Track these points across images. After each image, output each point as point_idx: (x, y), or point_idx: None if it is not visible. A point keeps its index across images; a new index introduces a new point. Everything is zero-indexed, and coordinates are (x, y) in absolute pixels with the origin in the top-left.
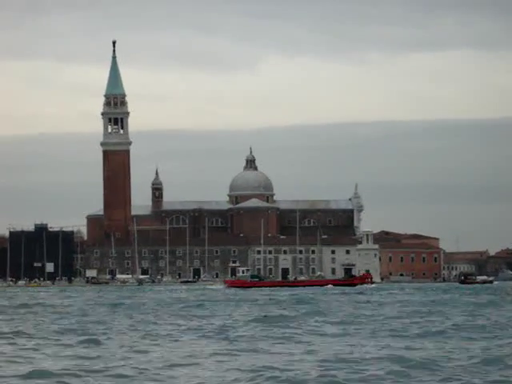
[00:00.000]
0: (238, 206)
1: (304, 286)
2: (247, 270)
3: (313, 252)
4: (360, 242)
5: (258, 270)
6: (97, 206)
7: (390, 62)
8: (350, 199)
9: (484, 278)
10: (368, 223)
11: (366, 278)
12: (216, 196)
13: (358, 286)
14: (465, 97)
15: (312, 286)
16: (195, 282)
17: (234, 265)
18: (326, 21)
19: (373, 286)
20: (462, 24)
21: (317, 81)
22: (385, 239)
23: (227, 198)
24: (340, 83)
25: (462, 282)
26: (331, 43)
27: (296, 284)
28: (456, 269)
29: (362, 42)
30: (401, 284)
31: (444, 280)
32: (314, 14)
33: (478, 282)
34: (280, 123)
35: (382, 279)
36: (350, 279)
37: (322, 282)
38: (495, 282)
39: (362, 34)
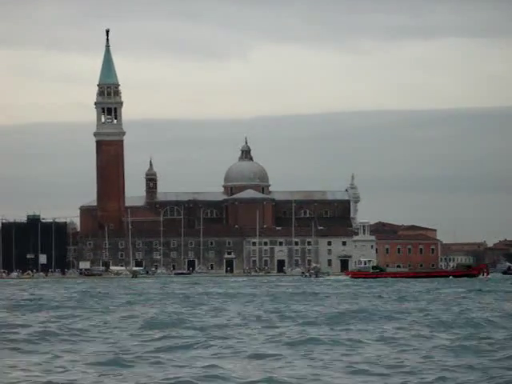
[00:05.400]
0: (232, 196)
1: (425, 277)
2: (369, 261)
3: (309, 243)
4: (356, 234)
5: (254, 261)
6: (90, 197)
7: (385, 50)
8: (346, 190)
9: None
10: (365, 214)
11: (481, 269)
12: (211, 187)
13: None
14: (460, 85)
15: (433, 277)
16: (190, 273)
17: (228, 256)
18: (318, 9)
19: (489, 277)
20: (456, 12)
21: (311, 69)
22: (382, 230)
23: (222, 189)
24: (335, 72)
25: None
26: (324, 31)
27: (418, 275)
28: (454, 260)
29: (355, 30)
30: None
31: None
32: (306, 2)
33: None
34: (275, 113)
35: None
36: (468, 270)
37: (441, 273)
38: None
39: (354, 22)
